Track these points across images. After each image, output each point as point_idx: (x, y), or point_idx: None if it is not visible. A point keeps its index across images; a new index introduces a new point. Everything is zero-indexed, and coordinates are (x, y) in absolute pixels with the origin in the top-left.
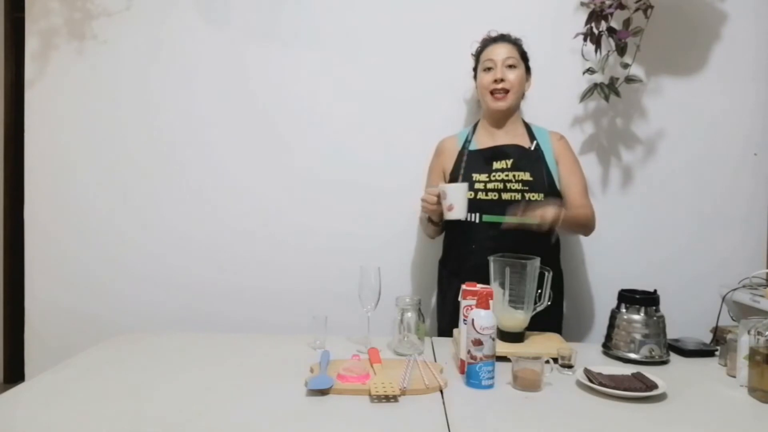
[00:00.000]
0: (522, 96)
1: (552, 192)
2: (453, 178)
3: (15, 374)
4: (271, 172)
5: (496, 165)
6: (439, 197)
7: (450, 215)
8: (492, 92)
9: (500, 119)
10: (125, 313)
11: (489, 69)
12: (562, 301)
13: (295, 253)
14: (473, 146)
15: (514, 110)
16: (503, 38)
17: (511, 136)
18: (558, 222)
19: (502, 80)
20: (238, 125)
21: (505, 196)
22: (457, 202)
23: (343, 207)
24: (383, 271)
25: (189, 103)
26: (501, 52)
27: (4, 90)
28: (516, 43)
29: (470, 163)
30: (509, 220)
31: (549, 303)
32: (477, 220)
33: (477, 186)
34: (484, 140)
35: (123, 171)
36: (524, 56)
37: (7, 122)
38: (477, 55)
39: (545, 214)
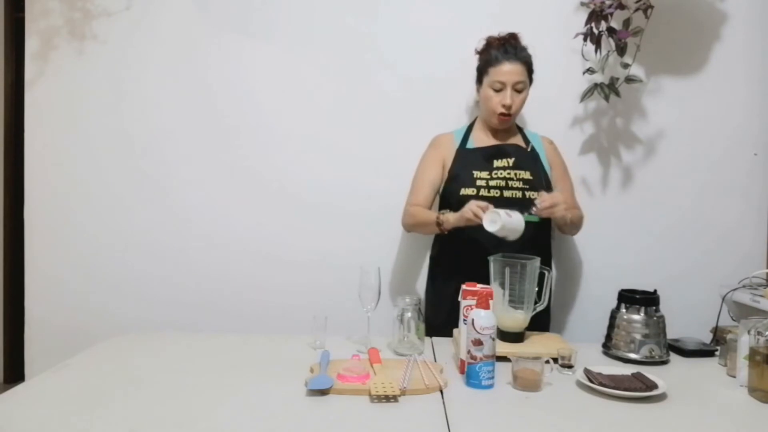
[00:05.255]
0: None
1: (549, 191)
2: (453, 176)
3: (15, 374)
4: (268, 174)
5: (497, 163)
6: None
7: (494, 215)
8: (498, 113)
9: (498, 128)
10: (125, 313)
11: (498, 90)
12: (551, 300)
13: (295, 253)
14: (471, 144)
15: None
16: (516, 56)
17: (508, 138)
18: (562, 211)
19: (510, 106)
20: (239, 126)
21: (507, 193)
22: (509, 223)
23: (342, 207)
24: (382, 271)
25: (190, 104)
26: (512, 75)
27: (4, 90)
28: (527, 62)
29: (470, 160)
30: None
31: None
32: None
33: (479, 183)
34: (482, 140)
35: (123, 171)
36: (530, 71)
37: (7, 122)
38: (485, 64)
39: (555, 200)
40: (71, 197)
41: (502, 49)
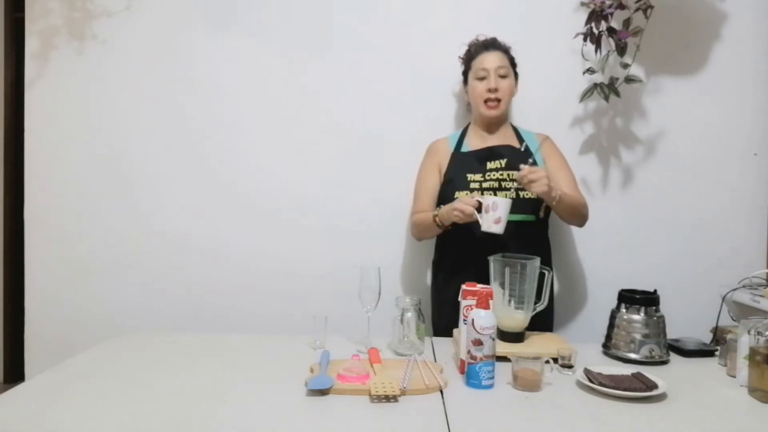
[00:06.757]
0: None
1: None
2: (448, 179)
3: (15, 374)
4: (270, 172)
5: (491, 165)
6: (477, 208)
7: (494, 228)
8: (485, 101)
9: (492, 125)
10: (125, 313)
11: (482, 78)
12: (553, 300)
13: (295, 253)
14: (465, 148)
15: (504, 117)
16: (494, 46)
17: (502, 138)
18: (551, 188)
19: (495, 90)
20: (239, 123)
21: (501, 194)
22: (504, 216)
23: (342, 206)
24: (386, 274)
25: (192, 103)
26: (493, 61)
27: (4, 90)
28: (506, 51)
29: (464, 163)
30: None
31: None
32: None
33: (473, 186)
34: (476, 143)
35: (123, 171)
36: (513, 63)
37: (7, 122)
38: (467, 61)
39: (537, 173)
40: (71, 197)
41: (481, 44)
